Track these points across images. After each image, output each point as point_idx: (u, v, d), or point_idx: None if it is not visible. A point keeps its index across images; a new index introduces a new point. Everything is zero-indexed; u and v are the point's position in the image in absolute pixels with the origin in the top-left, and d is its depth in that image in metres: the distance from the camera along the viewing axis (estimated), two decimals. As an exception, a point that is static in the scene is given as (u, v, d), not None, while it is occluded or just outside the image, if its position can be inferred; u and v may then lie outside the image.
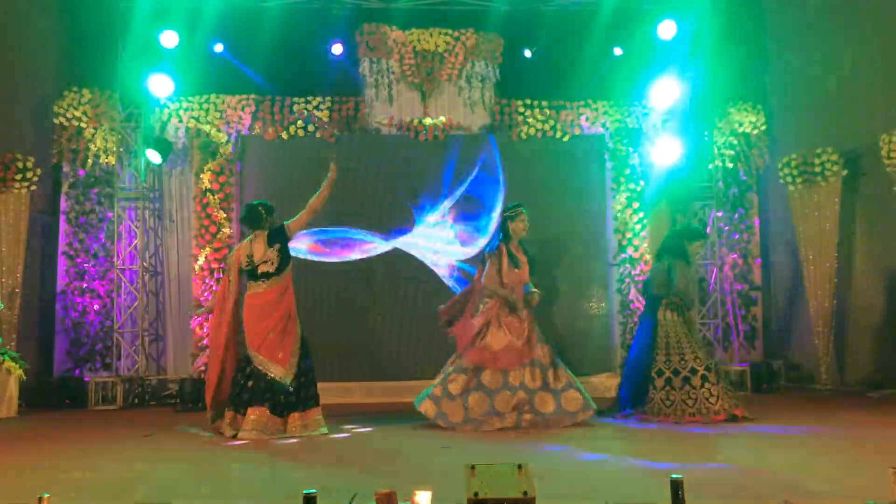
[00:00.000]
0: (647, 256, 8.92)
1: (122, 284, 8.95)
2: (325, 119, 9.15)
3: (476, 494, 2.94)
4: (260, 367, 5.86)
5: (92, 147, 8.91)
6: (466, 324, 6.27)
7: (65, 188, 9.00)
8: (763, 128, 9.63)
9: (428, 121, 9.16)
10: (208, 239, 8.85)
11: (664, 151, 9.06)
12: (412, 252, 9.14)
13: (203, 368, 8.58)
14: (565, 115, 9.36)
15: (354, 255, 9.05)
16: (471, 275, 8.38)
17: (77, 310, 8.85)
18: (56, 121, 8.86)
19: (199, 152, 9.03)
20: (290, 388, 5.87)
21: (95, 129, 8.93)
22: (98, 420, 7.31)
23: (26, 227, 8.50)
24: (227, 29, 8.91)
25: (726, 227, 9.58)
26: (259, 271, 5.98)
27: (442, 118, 9.21)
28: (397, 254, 9.10)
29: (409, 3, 9.17)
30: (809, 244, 8.92)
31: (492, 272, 6.32)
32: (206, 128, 9.01)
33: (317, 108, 9.19)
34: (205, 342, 8.63)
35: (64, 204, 8.99)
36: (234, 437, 5.74)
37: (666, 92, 9.03)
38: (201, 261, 8.81)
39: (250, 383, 5.87)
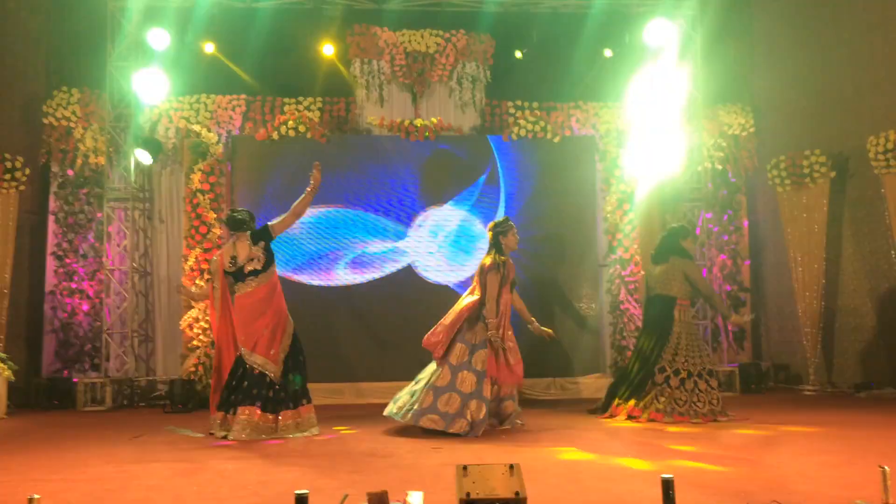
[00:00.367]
0: (637, 258, 8.95)
1: (112, 285, 8.91)
2: (316, 119, 9.15)
3: (468, 495, 2.95)
4: (253, 367, 5.84)
5: (81, 147, 8.88)
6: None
7: (54, 188, 8.97)
8: (752, 130, 9.70)
9: (419, 122, 9.17)
10: (198, 239, 8.83)
11: (654, 153, 9.09)
12: (405, 255, 9.15)
13: (193, 369, 8.57)
14: (556, 117, 9.39)
15: (344, 269, 9.07)
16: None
17: (66, 310, 8.81)
18: (45, 120, 8.84)
19: (190, 152, 9.02)
20: (279, 386, 5.86)
21: (85, 128, 8.90)
22: (87, 421, 7.27)
23: (15, 227, 8.45)
24: (218, 29, 8.91)
25: (715, 229, 9.63)
26: (246, 270, 5.95)
27: (433, 119, 9.22)
28: (389, 257, 9.10)
29: (400, 4, 9.18)
30: (797, 246, 8.97)
31: (494, 289, 6.07)
32: (197, 128, 9.00)
33: (308, 108, 9.20)
34: (194, 343, 8.64)
35: (53, 204, 8.96)
36: (225, 437, 5.73)
37: (656, 94, 9.07)
38: (191, 261, 8.78)
39: (243, 384, 5.85)
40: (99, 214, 8.99)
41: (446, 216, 9.18)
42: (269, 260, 6.02)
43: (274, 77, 9.18)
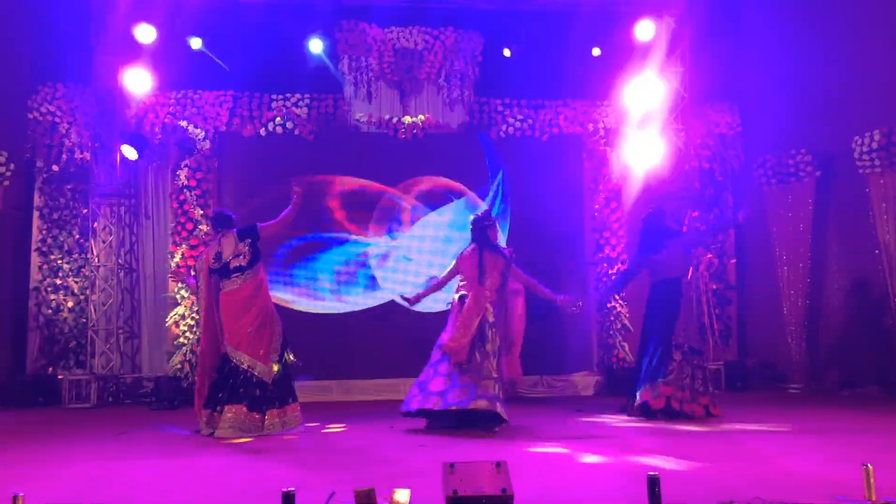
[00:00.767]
0: (625, 256, 8.97)
1: (97, 281, 8.85)
2: (304, 116, 9.12)
3: (455, 492, 2.96)
4: (239, 365, 5.82)
5: (66, 142, 8.81)
6: None
7: (38, 184, 8.88)
8: (738, 128, 9.76)
9: (407, 119, 9.17)
10: (185, 236, 8.80)
11: (642, 151, 9.13)
12: (396, 252, 9.15)
13: (178, 366, 8.54)
14: (544, 115, 9.40)
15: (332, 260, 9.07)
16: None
17: (51, 307, 8.73)
18: (30, 115, 8.75)
19: (176, 148, 8.96)
20: (270, 385, 5.84)
21: (70, 124, 8.83)
22: (72, 418, 7.23)
23: (-2, 222, 8.39)
24: (205, 24, 8.85)
25: (702, 227, 9.65)
26: (231, 266, 5.93)
27: (421, 116, 9.21)
28: (377, 253, 9.10)
29: (388, 1, 9.15)
30: (783, 244, 9.03)
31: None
32: (184, 123, 8.95)
33: (295, 104, 9.17)
34: (180, 340, 8.61)
35: (37, 200, 8.87)
36: (211, 435, 5.70)
37: (643, 92, 9.10)
38: (177, 258, 8.74)
39: (229, 381, 5.83)
40: (84, 210, 8.92)
41: (434, 220, 9.18)
42: (255, 258, 6.00)
43: (261, 73, 9.13)
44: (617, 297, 9.07)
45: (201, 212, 8.81)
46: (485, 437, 5.50)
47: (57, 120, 8.79)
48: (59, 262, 8.81)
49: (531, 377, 8.87)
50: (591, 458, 4.58)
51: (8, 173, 8.37)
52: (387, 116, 9.21)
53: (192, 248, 8.70)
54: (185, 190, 8.84)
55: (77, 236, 8.91)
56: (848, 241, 8.64)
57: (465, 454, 4.65)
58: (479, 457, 4.25)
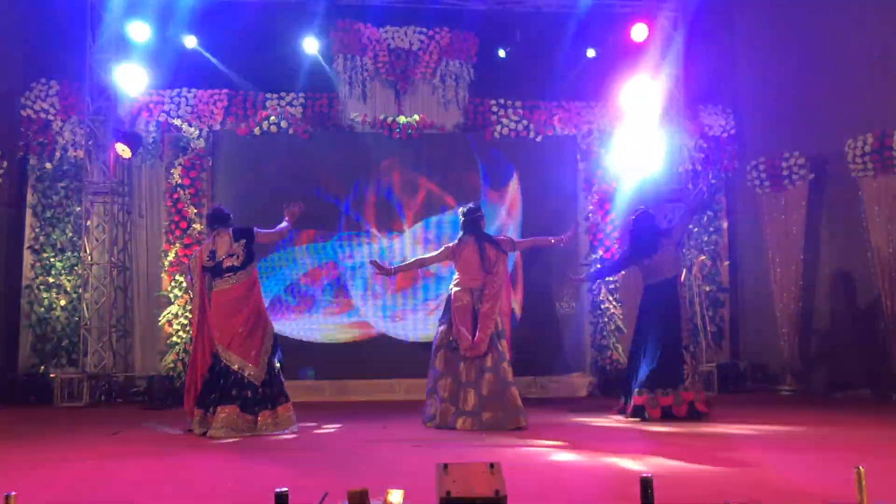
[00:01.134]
0: (618, 257, 8.99)
1: (90, 280, 8.82)
2: (299, 115, 9.11)
3: (448, 493, 2.96)
4: (229, 365, 5.81)
5: (60, 140, 8.78)
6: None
7: (31, 181, 8.85)
8: (732, 131, 9.78)
9: (402, 119, 9.16)
10: (178, 235, 8.78)
11: (635, 153, 9.15)
12: (391, 252, 9.16)
13: (171, 366, 8.52)
14: (539, 116, 9.41)
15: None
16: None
17: (43, 305, 8.71)
18: (23, 113, 8.73)
19: (170, 147, 8.95)
20: (260, 386, 5.83)
21: (64, 121, 8.80)
22: (64, 417, 7.21)
23: (-9, 220, 8.36)
24: (200, 22, 8.83)
25: (695, 229, 9.68)
26: (224, 265, 5.91)
27: (416, 116, 9.21)
28: (372, 254, 9.11)
29: (384, 0, 9.15)
30: (776, 247, 9.06)
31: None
32: (178, 122, 8.93)
33: (290, 104, 9.15)
34: (173, 339, 8.60)
35: (30, 197, 8.84)
36: (204, 435, 5.69)
37: (638, 94, 9.12)
38: (171, 256, 8.72)
39: (220, 381, 5.82)
40: (77, 208, 8.89)
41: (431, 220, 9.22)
42: (249, 259, 5.98)
43: (256, 72, 9.12)
44: (611, 297, 9.09)
45: (195, 210, 8.80)
46: (478, 439, 5.51)
47: (51, 118, 8.77)
48: (52, 260, 8.78)
49: (524, 378, 8.85)
50: (584, 460, 4.59)
51: (1, 171, 8.33)
52: (381, 116, 9.21)
53: (186, 246, 8.68)
54: (178, 188, 8.83)
55: (70, 234, 8.87)
56: (840, 243, 8.67)
57: (459, 455, 4.65)
58: (473, 458, 4.25)
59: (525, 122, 9.38)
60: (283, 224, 6.20)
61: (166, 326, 8.65)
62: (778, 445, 5.16)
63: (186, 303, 8.52)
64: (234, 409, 5.72)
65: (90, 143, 8.84)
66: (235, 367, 5.80)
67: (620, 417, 6.63)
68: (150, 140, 9.00)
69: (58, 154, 8.79)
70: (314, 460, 4.66)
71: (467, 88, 9.37)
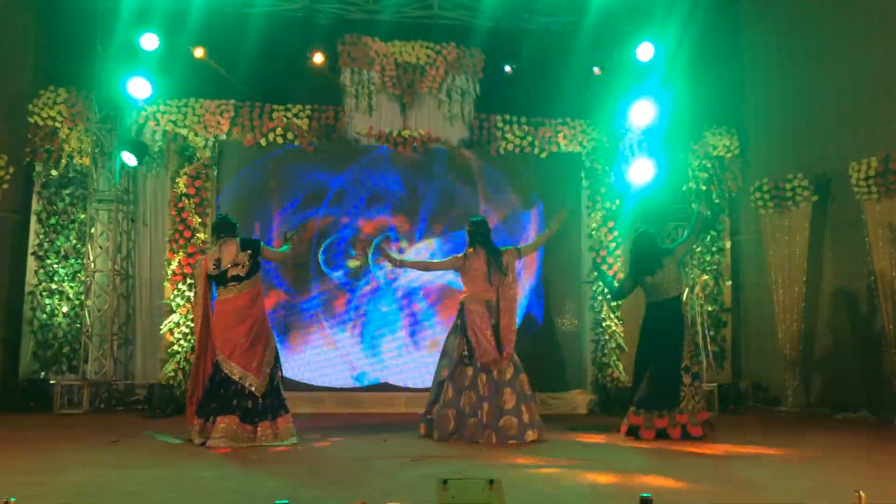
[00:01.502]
0: (621, 275, 8.98)
1: (93, 287, 8.82)
2: (304, 127, 9.15)
3: (447, 509, 2.96)
4: (230, 375, 5.81)
5: (66, 147, 8.80)
6: None
7: (37, 188, 8.87)
8: (736, 151, 9.78)
9: (407, 133, 9.19)
10: (182, 244, 8.78)
11: (640, 172, 9.16)
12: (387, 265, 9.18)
13: (172, 374, 8.51)
14: (543, 133, 9.43)
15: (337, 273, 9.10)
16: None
17: (45, 311, 8.71)
18: (31, 119, 8.75)
19: (176, 156, 8.98)
20: (261, 397, 5.83)
21: (70, 129, 8.83)
22: (64, 424, 7.20)
23: (-5, 226, 8.37)
24: (209, 33, 8.86)
25: (698, 249, 9.68)
26: (229, 275, 5.92)
27: (421, 130, 9.24)
28: (371, 262, 9.13)
29: (391, 15, 9.20)
30: (779, 268, 9.05)
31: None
32: (184, 132, 8.96)
33: (296, 115, 9.18)
34: (175, 348, 8.59)
35: (35, 204, 8.86)
36: (203, 445, 5.68)
37: (643, 113, 9.13)
38: (174, 265, 8.73)
39: (220, 391, 5.82)
40: (82, 216, 8.91)
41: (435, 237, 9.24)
42: (254, 269, 5.99)
43: (263, 83, 9.15)
44: (612, 315, 9.08)
45: (199, 220, 8.81)
46: (477, 453, 5.49)
47: (58, 125, 8.79)
48: (56, 266, 8.79)
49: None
50: (584, 478, 4.58)
51: (7, 177, 8.35)
52: (387, 130, 9.23)
53: (189, 255, 8.69)
54: (183, 198, 8.84)
55: (74, 241, 8.89)
56: (843, 266, 8.66)
57: (459, 470, 4.64)
58: (473, 474, 4.24)
59: (530, 138, 9.40)
60: (287, 249, 6.23)
61: (168, 335, 8.64)
62: (778, 467, 5.14)
63: (188, 312, 8.52)
64: (233, 420, 5.72)
65: (96, 150, 8.86)
66: (237, 377, 5.80)
67: (617, 436, 6.61)
68: (156, 149, 9.02)
69: (64, 161, 8.82)
70: (313, 472, 4.66)
71: (473, 104, 9.38)
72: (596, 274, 9.05)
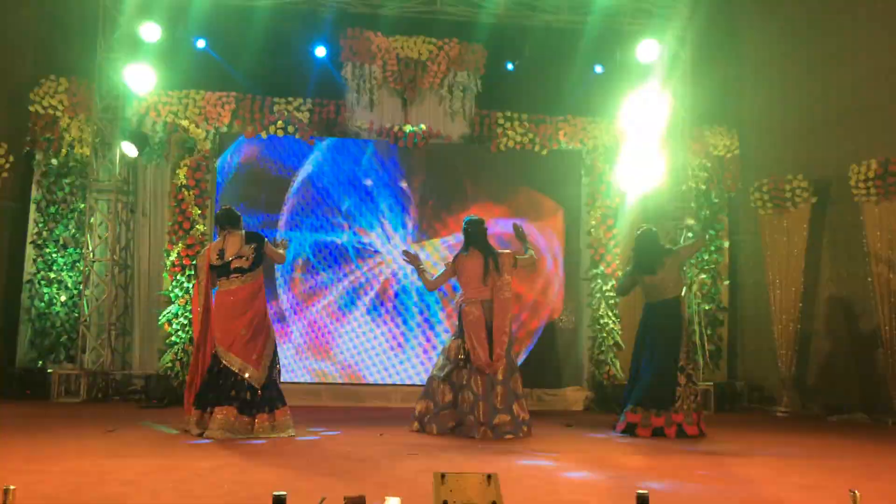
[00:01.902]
0: (619, 273, 9.01)
1: (91, 277, 8.83)
2: (305, 121, 9.15)
3: (445, 503, 2.97)
4: (229, 367, 5.81)
5: (67, 137, 8.82)
6: None
7: (36, 177, 8.89)
8: (736, 152, 9.82)
9: (408, 127, 9.20)
10: (181, 235, 8.80)
11: (639, 170, 9.17)
12: (388, 258, 9.20)
13: (169, 365, 8.53)
14: (544, 130, 9.45)
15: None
16: None
17: (43, 300, 8.72)
18: (31, 108, 8.76)
19: (177, 147, 8.99)
20: (260, 389, 5.84)
21: (71, 118, 8.84)
22: (61, 413, 7.21)
23: (-5, 214, 8.38)
24: (211, 25, 8.88)
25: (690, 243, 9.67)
26: (232, 266, 5.92)
27: (422, 126, 9.24)
28: (374, 260, 9.14)
29: (394, 10, 9.20)
30: (776, 268, 9.08)
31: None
32: (185, 123, 8.97)
33: (297, 109, 9.19)
34: (173, 339, 8.61)
35: (35, 192, 8.87)
36: (201, 435, 5.70)
37: (643, 112, 9.14)
38: (173, 256, 8.74)
39: (219, 382, 5.83)
40: (81, 205, 8.91)
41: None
42: (258, 262, 6.00)
43: (265, 76, 9.17)
44: (610, 313, 9.11)
45: (199, 211, 8.82)
46: (475, 448, 5.51)
47: (59, 114, 8.80)
48: (54, 255, 8.80)
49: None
50: (580, 474, 4.60)
51: (6, 165, 8.36)
52: (388, 125, 9.23)
53: (189, 247, 8.71)
54: (183, 189, 8.85)
55: (73, 231, 8.90)
56: (841, 268, 8.69)
57: (456, 465, 4.66)
58: (470, 468, 4.26)
59: (531, 135, 9.42)
60: (282, 252, 6.24)
61: (166, 326, 8.66)
62: (773, 466, 5.17)
63: (187, 303, 8.54)
64: (231, 411, 5.73)
65: (97, 140, 8.86)
66: (236, 368, 5.80)
67: (613, 434, 6.63)
68: (157, 140, 9.04)
69: (64, 150, 8.82)
70: (311, 465, 4.67)
71: (474, 100, 9.40)
72: (594, 272, 9.08)
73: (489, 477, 3.11)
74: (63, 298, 8.79)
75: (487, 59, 9.37)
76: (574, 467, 4.82)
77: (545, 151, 9.44)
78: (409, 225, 9.28)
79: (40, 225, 8.81)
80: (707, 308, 9.61)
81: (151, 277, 9.07)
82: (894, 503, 3.83)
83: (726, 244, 9.89)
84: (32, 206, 8.84)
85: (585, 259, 9.38)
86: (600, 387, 9.01)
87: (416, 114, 9.37)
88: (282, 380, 6.19)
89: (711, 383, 9.08)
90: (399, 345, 9.11)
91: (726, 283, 9.81)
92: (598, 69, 9.36)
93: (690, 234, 8.94)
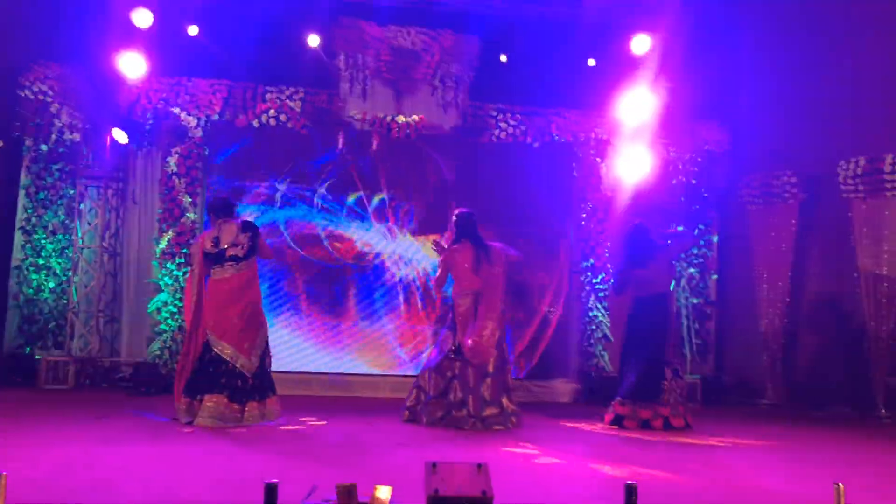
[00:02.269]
0: (609, 266, 9.05)
1: (80, 263, 8.79)
2: (298, 110, 9.12)
3: (436, 491, 3.00)
4: (221, 355, 5.82)
5: (57, 122, 8.73)
6: None
7: (26, 162, 8.79)
8: (727, 147, 9.84)
9: (401, 118, 9.18)
10: (171, 223, 8.76)
11: (631, 164, 9.20)
12: (378, 251, 9.22)
13: (158, 353, 8.51)
14: (537, 122, 9.45)
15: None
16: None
17: (32, 286, 8.66)
18: (21, 93, 8.67)
19: (167, 135, 8.93)
20: (251, 377, 5.85)
21: (61, 104, 8.75)
22: (49, 399, 7.20)
23: (-16, 199, 8.31)
24: (204, 12, 8.82)
25: (682, 239, 9.72)
26: (227, 254, 5.92)
27: (415, 116, 9.22)
28: (364, 251, 9.16)
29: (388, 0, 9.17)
30: (764, 263, 9.15)
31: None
32: (176, 110, 8.92)
33: (290, 98, 9.14)
34: (161, 326, 8.59)
35: (24, 178, 8.79)
36: (190, 423, 5.70)
37: (636, 105, 9.15)
38: (163, 244, 8.71)
39: (210, 370, 5.83)
40: (71, 192, 8.85)
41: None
42: (252, 252, 6.00)
43: (257, 64, 9.10)
44: (599, 305, 9.16)
45: (189, 199, 8.79)
46: (465, 439, 5.55)
47: (48, 99, 8.72)
48: (43, 241, 8.73)
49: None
50: (569, 465, 4.64)
51: (-4, 150, 8.30)
52: (381, 115, 9.20)
53: (179, 235, 8.68)
54: (174, 177, 8.81)
55: (62, 217, 8.84)
56: (828, 263, 8.77)
57: (446, 454, 4.69)
58: (460, 458, 4.29)
59: (523, 127, 9.42)
60: (268, 255, 6.28)
61: (155, 313, 8.63)
62: (759, 459, 5.23)
63: (177, 291, 8.52)
64: (222, 399, 5.73)
65: (87, 126, 8.77)
66: (228, 357, 5.80)
67: (600, 425, 6.69)
68: (148, 127, 8.98)
69: (54, 136, 8.75)
70: (302, 454, 4.69)
71: (467, 91, 9.37)
72: (585, 264, 9.12)
73: (479, 466, 3.14)
74: (52, 285, 8.73)
75: (481, 50, 9.34)
76: (562, 458, 4.86)
77: (537, 144, 9.45)
78: (402, 218, 9.27)
79: (29, 211, 8.74)
80: (695, 302, 9.65)
81: (141, 265, 9.02)
82: (878, 496, 3.89)
83: (715, 238, 9.92)
84: (21, 192, 8.76)
85: (576, 251, 9.40)
86: (588, 379, 9.05)
87: (409, 104, 9.34)
88: (273, 369, 6.20)
89: (698, 376, 9.15)
90: (390, 335, 9.12)
91: (714, 277, 9.86)
92: (591, 62, 9.36)
93: (680, 228, 9.00)
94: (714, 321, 9.80)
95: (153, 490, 3.56)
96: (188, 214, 8.75)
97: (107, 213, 8.89)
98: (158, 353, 8.51)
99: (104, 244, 8.82)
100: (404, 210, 9.29)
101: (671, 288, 7.00)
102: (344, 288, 9.14)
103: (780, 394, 8.97)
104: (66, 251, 8.79)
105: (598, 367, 9.06)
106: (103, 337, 8.83)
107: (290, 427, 5.86)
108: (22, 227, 8.71)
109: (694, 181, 9.69)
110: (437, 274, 6.62)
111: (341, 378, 8.87)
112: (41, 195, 8.75)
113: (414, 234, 9.29)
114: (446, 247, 6.51)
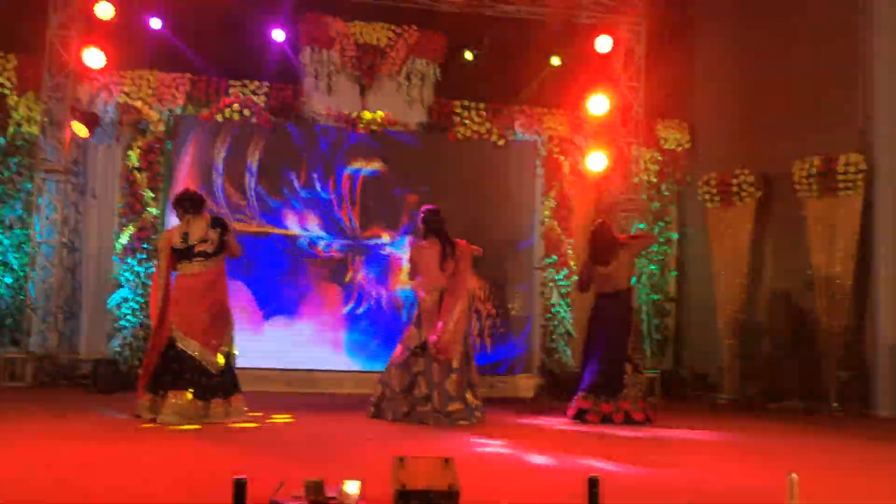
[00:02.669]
0: (572, 263, 9.17)
1: (38, 258, 8.64)
2: (262, 104, 9.06)
3: (404, 486, 3.04)
4: (186, 351, 5.76)
5: (15, 115, 8.59)
6: None
7: (-18, 155, 8.64)
8: (687, 145, 10.02)
9: (366, 114, 9.17)
10: (133, 218, 8.67)
11: (594, 161, 9.33)
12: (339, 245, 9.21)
13: (118, 350, 8.41)
14: (501, 119, 9.52)
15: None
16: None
17: (-13, 282, 8.51)
18: (-22, 85, 8.50)
19: (129, 128, 8.82)
20: (217, 374, 5.81)
21: (20, 96, 8.60)
22: (7, 398, 7.05)
23: (-62, 193, 8.13)
24: (167, 4, 8.71)
25: (642, 237, 9.87)
26: (196, 250, 5.85)
27: (380, 112, 9.22)
28: (330, 246, 9.15)
29: (354, -6, 9.16)
30: (722, 260, 9.34)
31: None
32: (138, 104, 8.80)
33: (254, 92, 9.09)
34: (122, 323, 8.49)
35: (-20, 172, 8.63)
36: (153, 421, 5.65)
37: (599, 103, 9.30)
38: (124, 239, 8.61)
39: (173, 366, 5.77)
40: (29, 186, 8.69)
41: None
42: (221, 248, 5.94)
43: (221, 58, 9.03)
44: (562, 302, 9.28)
45: (151, 194, 8.70)
46: (431, 434, 5.60)
47: (6, 91, 8.56)
48: (0, 236, 8.58)
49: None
50: (533, 458, 4.71)
51: (-49, 143, 8.12)
52: (346, 111, 9.19)
53: (140, 230, 8.58)
54: (135, 171, 8.71)
55: (20, 211, 8.68)
56: (783, 261, 8.99)
57: (413, 449, 4.72)
58: (427, 452, 4.31)
59: (487, 124, 9.48)
60: (235, 253, 6.15)
61: (115, 310, 8.52)
62: (716, 451, 5.37)
63: (137, 287, 8.43)
64: (185, 395, 5.67)
65: (46, 119, 8.64)
66: (194, 353, 5.75)
67: (563, 419, 6.79)
68: (108, 120, 8.85)
69: (11, 129, 8.59)
70: (268, 450, 4.69)
71: (432, 88, 9.41)
72: (547, 261, 9.22)
73: (447, 461, 3.18)
74: (8, 280, 8.58)
75: (447, 47, 9.39)
76: (526, 452, 4.93)
77: (502, 141, 9.52)
78: (362, 216, 9.28)
79: (-15, 205, 8.58)
80: (655, 298, 9.82)
81: (101, 260, 8.90)
82: (830, 486, 4.02)
83: (675, 236, 10.10)
84: (-23, 186, 8.60)
85: (539, 248, 9.50)
86: (551, 374, 9.17)
87: (374, 100, 9.34)
88: (236, 365, 6.17)
89: (658, 371, 9.31)
90: (354, 331, 9.13)
91: (674, 274, 10.04)
92: (556, 61, 9.46)
93: (641, 226, 9.15)
94: (673, 317, 9.98)
95: (118, 489, 3.54)
96: (150, 209, 8.66)
97: (65, 208, 8.75)
98: (119, 349, 8.41)
99: (63, 239, 8.69)
100: (367, 205, 9.28)
101: (632, 285, 7.12)
102: (306, 282, 9.12)
103: (736, 388, 9.17)
104: (24, 246, 8.65)
105: (561, 362, 9.18)
106: (62, 333, 8.69)
107: (256, 424, 5.84)
108: (-23, 222, 8.55)
109: (655, 179, 9.84)
110: (410, 271, 6.66)
111: (305, 374, 8.85)
112: (-2, 189, 8.59)
113: (374, 229, 9.29)
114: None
